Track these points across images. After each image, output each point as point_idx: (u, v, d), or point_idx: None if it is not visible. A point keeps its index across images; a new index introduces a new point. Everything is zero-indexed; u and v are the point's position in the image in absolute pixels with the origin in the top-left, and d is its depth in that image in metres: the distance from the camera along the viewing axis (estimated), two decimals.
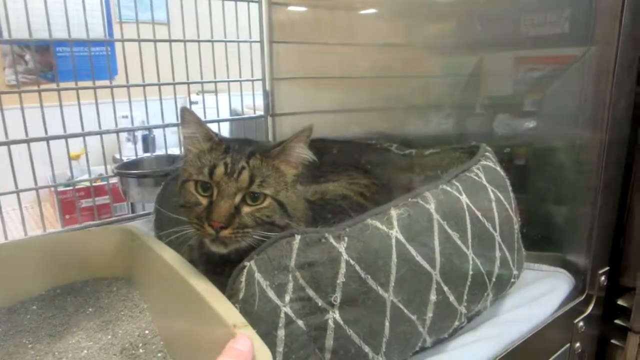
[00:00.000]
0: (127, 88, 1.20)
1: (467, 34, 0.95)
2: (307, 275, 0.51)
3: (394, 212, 0.55)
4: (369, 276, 0.51)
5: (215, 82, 1.36)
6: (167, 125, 1.34)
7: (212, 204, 0.56)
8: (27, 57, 2.56)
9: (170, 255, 0.63)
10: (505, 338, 0.63)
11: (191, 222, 0.58)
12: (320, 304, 0.50)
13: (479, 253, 0.60)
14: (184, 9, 1.25)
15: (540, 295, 0.73)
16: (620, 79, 0.71)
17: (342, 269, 0.51)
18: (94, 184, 1.21)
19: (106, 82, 1.19)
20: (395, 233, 0.53)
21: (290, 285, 0.51)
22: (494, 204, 0.65)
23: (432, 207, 0.57)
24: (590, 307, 0.76)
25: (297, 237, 0.52)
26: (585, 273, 0.76)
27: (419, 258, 0.54)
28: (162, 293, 0.64)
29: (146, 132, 2.43)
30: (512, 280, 0.67)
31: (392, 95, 1.12)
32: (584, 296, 0.75)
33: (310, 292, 0.50)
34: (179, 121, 0.64)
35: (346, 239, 0.52)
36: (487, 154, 0.73)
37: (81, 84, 1.12)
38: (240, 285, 0.52)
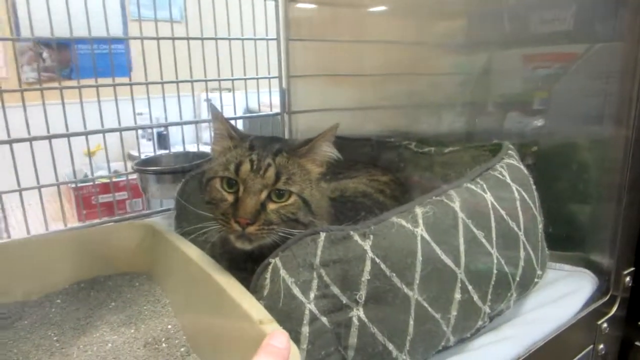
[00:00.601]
0: (146, 86, 1.21)
1: (485, 31, 0.94)
2: (332, 273, 0.51)
3: (419, 210, 0.55)
4: (394, 274, 0.51)
5: (232, 80, 1.37)
6: (185, 123, 1.35)
7: (239, 201, 0.57)
8: (45, 54, 2.59)
9: (193, 252, 0.64)
10: (527, 339, 0.62)
11: (217, 219, 0.58)
12: (344, 302, 0.50)
13: (504, 252, 0.59)
14: (201, 7, 1.25)
15: (563, 295, 0.72)
16: None
17: (367, 267, 0.50)
18: (108, 181, 1.22)
19: (122, 80, 1.20)
20: (421, 231, 0.53)
21: (315, 283, 0.51)
22: (518, 203, 0.64)
23: (457, 205, 0.57)
24: (615, 309, 0.74)
25: (322, 235, 0.52)
26: (609, 273, 0.75)
27: (444, 257, 0.53)
28: (185, 289, 0.65)
29: (160, 129, 2.45)
30: (536, 280, 0.66)
31: (408, 92, 1.11)
32: (607, 297, 0.74)
33: (335, 290, 0.50)
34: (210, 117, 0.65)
35: (371, 236, 0.52)
36: (510, 152, 0.72)
37: (91, 81, 1.14)
38: (265, 282, 0.52)
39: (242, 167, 0.58)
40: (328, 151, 0.62)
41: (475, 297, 0.56)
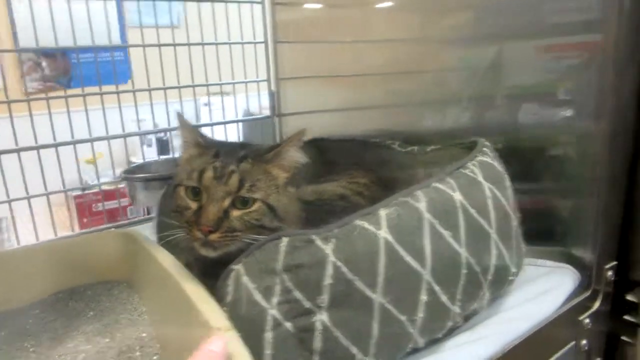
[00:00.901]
0: (133, 93, 1.22)
1: (483, 25, 0.92)
2: (294, 278, 0.51)
3: (383, 212, 0.55)
4: (357, 277, 0.50)
5: (221, 85, 1.37)
6: (175, 129, 1.36)
7: (201, 208, 0.57)
8: (44, 64, 2.62)
9: (165, 259, 0.64)
10: (504, 337, 0.62)
11: (181, 227, 0.58)
12: (307, 306, 0.50)
13: (473, 251, 0.59)
14: (188, 13, 1.26)
15: (544, 291, 0.71)
16: (622, 66, 0.69)
17: (329, 271, 0.50)
18: (110, 188, 1.24)
19: (112, 88, 1.21)
20: (384, 233, 0.53)
21: (278, 288, 0.51)
22: (489, 201, 0.63)
23: (422, 205, 0.57)
24: (597, 303, 0.74)
25: (285, 240, 0.52)
26: (590, 268, 0.74)
27: (408, 258, 0.53)
28: (158, 296, 0.65)
29: (160, 135, 2.47)
30: (510, 278, 0.66)
31: (398, 91, 1.11)
32: (589, 292, 0.73)
33: (298, 295, 0.50)
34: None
35: (334, 240, 0.51)
36: (484, 149, 0.72)
37: (93, 89, 1.15)
38: (228, 289, 0.52)
39: (205, 175, 0.58)
40: (295, 156, 0.62)
41: (444, 298, 0.56)
